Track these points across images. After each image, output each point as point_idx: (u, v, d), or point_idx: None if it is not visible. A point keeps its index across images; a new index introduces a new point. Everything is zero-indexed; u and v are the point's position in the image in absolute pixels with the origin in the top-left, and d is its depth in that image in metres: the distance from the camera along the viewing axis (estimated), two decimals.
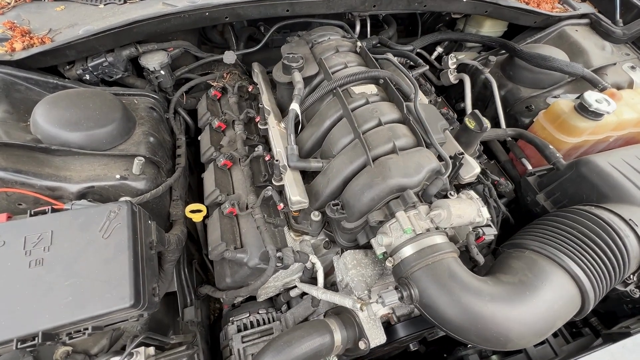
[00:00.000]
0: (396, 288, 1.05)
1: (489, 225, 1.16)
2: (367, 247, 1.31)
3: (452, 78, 2.15)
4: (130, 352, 1.08)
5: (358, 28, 2.30)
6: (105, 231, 0.98)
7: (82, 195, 1.21)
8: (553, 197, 1.48)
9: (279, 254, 1.25)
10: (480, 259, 1.11)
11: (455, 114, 1.99)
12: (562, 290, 0.99)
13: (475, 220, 1.11)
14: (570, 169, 1.41)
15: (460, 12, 1.88)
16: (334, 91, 1.37)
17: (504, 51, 2.07)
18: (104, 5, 1.58)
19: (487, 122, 1.39)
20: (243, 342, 1.39)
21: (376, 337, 1.18)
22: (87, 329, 0.94)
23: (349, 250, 1.26)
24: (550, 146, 1.54)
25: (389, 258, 1.12)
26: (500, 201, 1.68)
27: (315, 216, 1.29)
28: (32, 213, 1.00)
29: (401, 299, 1.03)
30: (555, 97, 1.83)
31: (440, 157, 1.24)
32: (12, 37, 1.39)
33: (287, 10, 1.67)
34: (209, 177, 1.51)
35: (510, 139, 1.78)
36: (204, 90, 1.96)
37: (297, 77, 1.44)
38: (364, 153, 1.18)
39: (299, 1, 1.65)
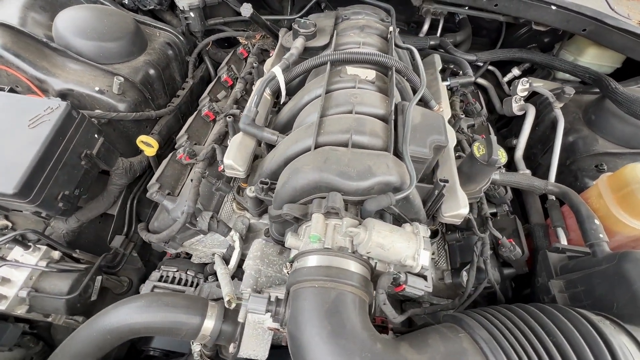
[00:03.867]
0: (271, 299, 0.85)
1: (424, 277, 0.84)
2: None
3: (516, 108, 1.71)
4: (28, 245, 1.11)
5: (426, 27, 2.02)
6: (33, 122, 1.01)
7: (62, 95, 1.29)
8: (572, 290, 1.03)
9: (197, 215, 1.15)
10: (390, 313, 0.81)
11: None
12: None
13: (405, 262, 0.82)
14: (610, 260, 0.95)
15: (544, 23, 1.44)
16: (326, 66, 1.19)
17: (597, 90, 1.54)
18: None
19: (501, 155, 1.03)
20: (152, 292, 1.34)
21: (254, 348, 0.99)
22: None
23: (260, 239, 1.09)
24: (597, 221, 1.07)
25: (288, 264, 0.91)
26: (505, 270, 1.26)
27: (250, 192, 1.14)
28: None
29: (269, 312, 0.83)
30: None
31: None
32: None
33: None
34: (188, 122, 1.49)
35: (552, 197, 1.32)
36: None
37: (298, 42, 1.30)
38: (312, 135, 0.99)
39: None
